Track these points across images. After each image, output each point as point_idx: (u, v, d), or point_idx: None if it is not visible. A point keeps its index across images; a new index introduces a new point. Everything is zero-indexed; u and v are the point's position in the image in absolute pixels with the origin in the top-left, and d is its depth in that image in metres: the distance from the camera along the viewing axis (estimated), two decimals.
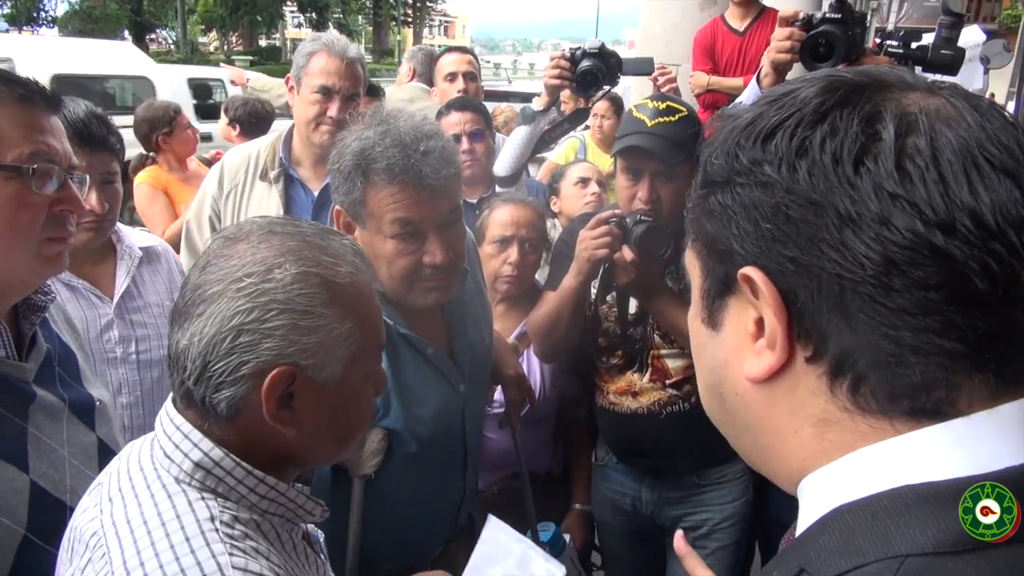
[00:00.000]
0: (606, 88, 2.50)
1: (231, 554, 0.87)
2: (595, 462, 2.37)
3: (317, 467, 1.10)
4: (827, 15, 2.02)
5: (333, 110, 2.37)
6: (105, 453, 1.36)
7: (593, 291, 2.15)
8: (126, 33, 39.90)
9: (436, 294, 1.58)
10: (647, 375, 2.12)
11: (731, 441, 0.70)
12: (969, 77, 4.75)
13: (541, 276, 2.44)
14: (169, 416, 0.98)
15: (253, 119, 4.32)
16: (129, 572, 0.85)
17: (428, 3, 57.49)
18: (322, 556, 1.12)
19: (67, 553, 0.98)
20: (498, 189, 2.75)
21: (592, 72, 2.43)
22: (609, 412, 2.18)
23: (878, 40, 2.30)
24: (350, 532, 1.52)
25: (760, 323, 0.59)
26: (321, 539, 1.16)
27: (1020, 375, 0.54)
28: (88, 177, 1.42)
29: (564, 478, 2.47)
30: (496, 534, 1.66)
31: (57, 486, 1.24)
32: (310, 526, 1.11)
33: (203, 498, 0.93)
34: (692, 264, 0.68)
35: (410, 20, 56.07)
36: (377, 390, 1.10)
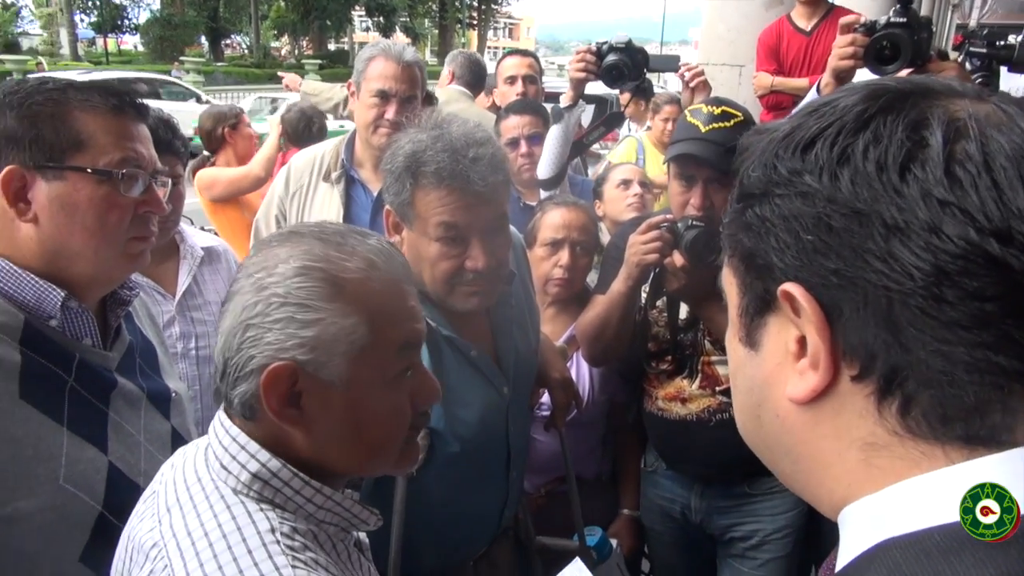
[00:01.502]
0: (634, 83, 2.50)
1: (294, 567, 0.86)
2: (644, 468, 2.34)
3: (356, 475, 1.10)
4: (891, 19, 1.95)
5: (390, 113, 2.41)
6: (178, 441, 1.43)
7: (643, 296, 2.13)
8: (203, 39, 41.43)
9: (476, 299, 1.59)
10: (697, 381, 2.09)
11: (769, 466, 0.67)
12: None
13: (592, 279, 2.43)
14: (224, 426, 0.98)
15: (293, 125, 4.53)
16: None
17: (493, 6, 57.87)
18: (371, 563, 1.12)
19: (124, 562, 0.99)
20: (542, 193, 2.75)
21: (617, 67, 2.43)
22: (657, 418, 2.16)
23: (961, 37, 2.20)
24: (393, 529, 1.54)
25: (802, 342, 0.57)
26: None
27: None
28: (170, 181, 1.49)
29: (612, 483, 2.45)
30: None
31: (132, 469, 1.32)
32: (360, 533, 1.11)
33: (262, 509, 0.92)
34: (729, 282, 0.65)
35: (475, 23, 56.55)
36: (422, 400, 1.05)
